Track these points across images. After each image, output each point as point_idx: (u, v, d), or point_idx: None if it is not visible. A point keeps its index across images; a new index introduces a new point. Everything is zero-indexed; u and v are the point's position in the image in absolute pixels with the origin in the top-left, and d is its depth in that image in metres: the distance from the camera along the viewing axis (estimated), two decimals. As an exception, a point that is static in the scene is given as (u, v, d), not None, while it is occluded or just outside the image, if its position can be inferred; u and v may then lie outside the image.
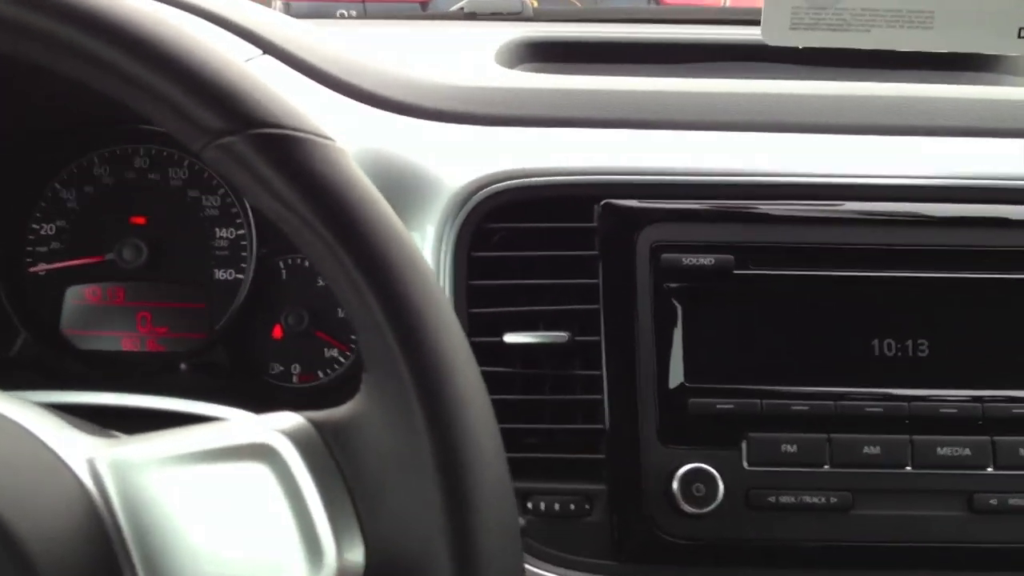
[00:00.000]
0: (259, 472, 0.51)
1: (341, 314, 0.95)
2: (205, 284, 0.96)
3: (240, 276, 0.96)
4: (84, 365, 0.95)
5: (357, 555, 0.50)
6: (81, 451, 0.53)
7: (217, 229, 0.97)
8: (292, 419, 0.52)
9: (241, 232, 0.96)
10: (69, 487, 0.51)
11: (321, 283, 0.96)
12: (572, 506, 0.79)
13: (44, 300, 0.96)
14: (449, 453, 0.49)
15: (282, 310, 0.95)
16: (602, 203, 0.81)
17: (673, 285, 0.79)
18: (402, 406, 0.50)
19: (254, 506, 0.51)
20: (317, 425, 0.52)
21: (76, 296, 0.96)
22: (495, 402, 0.78)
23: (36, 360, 0.94)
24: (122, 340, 0.96)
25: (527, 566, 0.78)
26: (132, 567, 0.51)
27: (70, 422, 0.56)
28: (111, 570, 0.50)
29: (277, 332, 0.96)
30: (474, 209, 0.82)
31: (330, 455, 0.51)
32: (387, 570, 0.50)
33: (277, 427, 0.52)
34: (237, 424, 0.53)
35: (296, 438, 0.51)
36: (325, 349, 0.96)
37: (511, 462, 0.78)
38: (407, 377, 0.50)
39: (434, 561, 0.48)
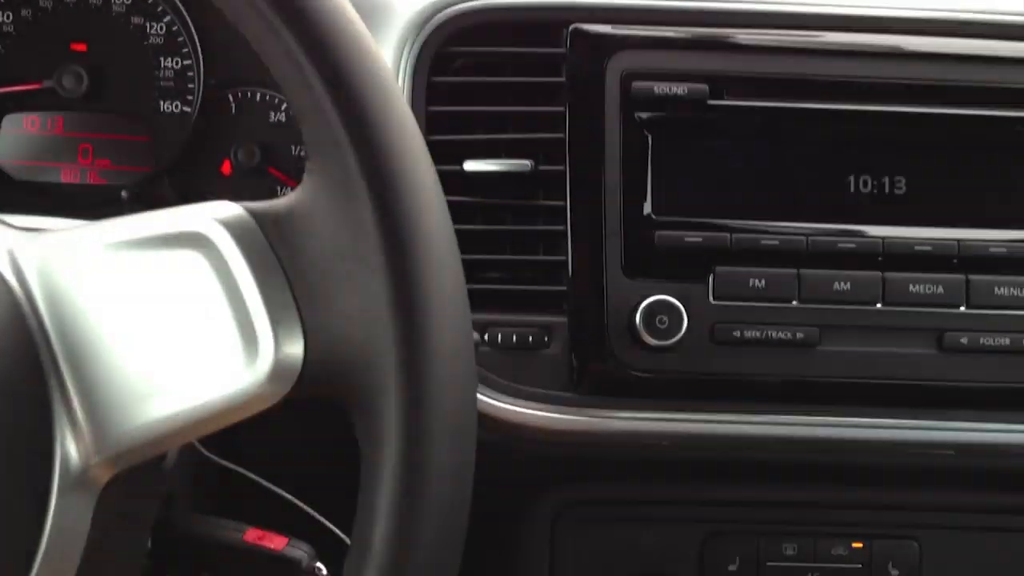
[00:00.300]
0: (192, 261, 0.48)
1: (296, 151, 0.91)
2: (150, 116, 0.91)
3: (187, 109, 0.91)
4: (21, 195, 0.90)
5: (296, 348, 0.47)
6: (3, 243, 0.49)
7: (162, 58, 0.91)
8: (228, 208, 0.49)
9: (188, 63, 0.91)
10: None
11: (274, 119, 0.91)
12: (530, 338, 0.76)
13: (-22, 129, 0.91)
14: (399, 245, 0.46)
15: (231, 145, 0.90)
16: (571, 28, 0.77)
17: (643, 115, 0.76)
18: (347, 194, 0.46)
19: (187, 296, 0.47)
20: (255, 215, 0.48)
21: (13, 124, 0.91)
22: (455, 232, 0.75)
23: (-30, 188, 0.89)
24: (62, 171, 0.91)
25: (483, 397, 0.75)
26: (55, 361, 0.47)
27: None
28: (32, 365, 0.47)
29: (226, 168, 0.91)
30: (434, 32, 0.78)
31: (269, 245, 0.48)
32: (327, 366, 0.47)
33: (212, 215, 0.48)
34: (168, 212, 0.49)
35: (232, 227, 0.48)
36: (279, 187, 0.92)
37: (471, 294, 0.76)
38: (353, 163, 0.46)
39: (380, 357, 0.45)
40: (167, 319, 0.47)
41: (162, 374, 0.47)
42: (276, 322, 0.46)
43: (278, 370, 0.46)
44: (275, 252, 0.47)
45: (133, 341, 0.47)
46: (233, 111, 0.91)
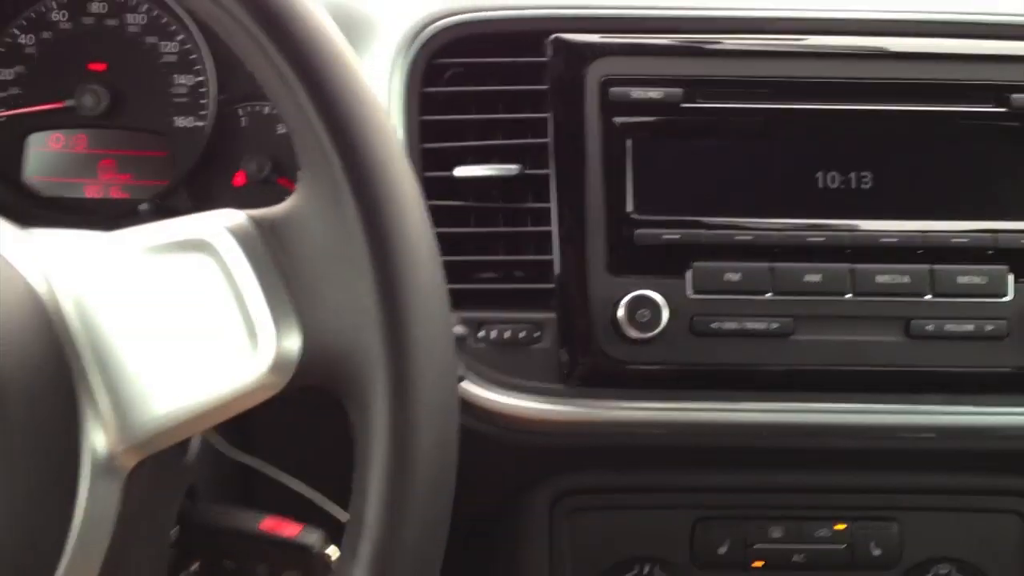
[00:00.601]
0: (202, 265, 0.53)
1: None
2: (166, 131, 0.96)
3: (200, 124, 0.96)
4: (49, 211, 0.96)
5: (294, 342, 0.52)
6: (31, 254, 0.54)
7: (176, 76, 0.97)
8: (233, 216, 0.54)
9: (200, 79, 0.96)
10: (18, 288, 0.53)
11: (281, 131, 0.96)
12: (522, 334, 0.81)
13: (6, 148, 0.96)
14: (382, 247, 0.51)
15: (243, 158, 0.96)
16: (552, 37, 0.81)
17: (622, 119, 0.80)
18: (335, 201, 0.51)
19: (198, 297, 0.53)
20: (256, 222, 0.53)
21: (39, 143, 0.96)
22: (449, 235, 0.80)
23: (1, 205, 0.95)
24: (85, 187, 0.97)
25: (478, 391, 0.80)
26: (80, 361, 0.52)
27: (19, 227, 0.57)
28: (60, 365, 0.52)
29: (239, 179, 0.97)
30: (425, 45, 0.83)
31: (268, 250, 0.53)
32: (322, 357, 0.52)
33: (219, 223, 0.53)
34: (180, 221, 0.54)
35: (236, 234, 0.53)
36: (287, 196, 0.97)
37: (465, 293, 0.80)
38: (339, 172, 0.51)
39: (367, 349, 0.50)
40: (181, 318, 0.52)
41: (177, 368, 0.52)
42: (276, 319, 0.51)
43: (279, 362, 0.51)
44: (273, 255, 0.53)
45: (151, 339, 0.52)
46: (244, 125, 0.96)
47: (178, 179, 0.95)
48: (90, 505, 0.51)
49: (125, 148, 0.97)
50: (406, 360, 0.50)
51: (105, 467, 0.51)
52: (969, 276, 0.79)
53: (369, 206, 0.51)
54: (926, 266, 0.79)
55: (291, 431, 0.91)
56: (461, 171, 0.81)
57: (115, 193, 0.97)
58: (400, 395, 0.49)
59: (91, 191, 0.97)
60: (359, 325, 0.50)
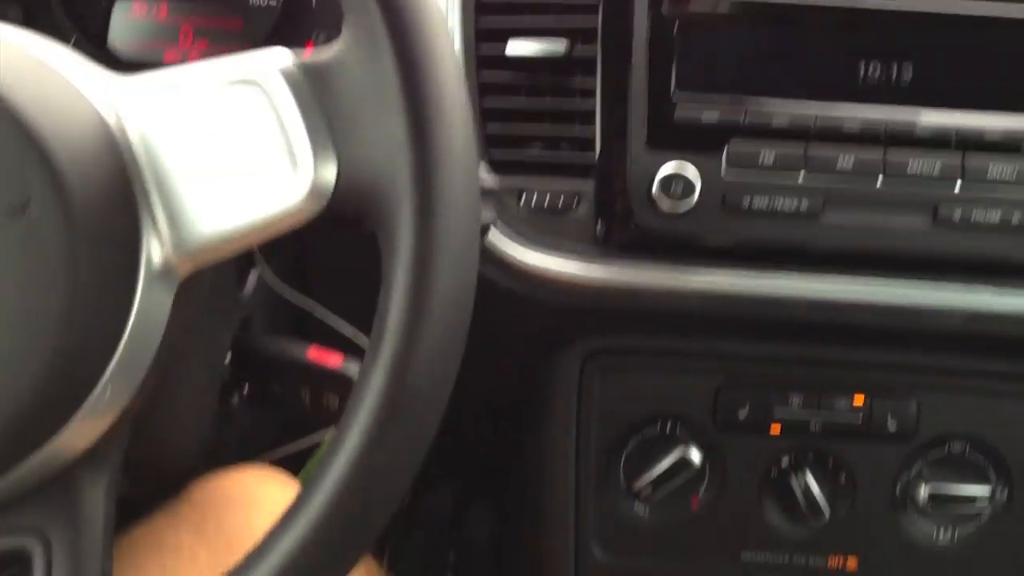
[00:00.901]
0: (253, 100, 0.58)
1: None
2: (241, 5, 1.02)
3: (273, 2, 1.02)
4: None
5: (330, 172, 0.57)
6: (104, 90, 0.60)
7: None
8: (285, 58, 0.59)
9: None
10: (90, 117, 0.58)
11: None
12: (561, 201, 0.85)
13: (95, 14, 1.02)
14: (414, 89, 0.56)
15: (312, 31, 1.01)
16: None
17: (669, 5, 0.82)
18: (374, 48, 0.56)
19: (248, 129, 0.58)
20: (303, 66, 0.59)
21: (123, 10, 1.02)
22: (498, 109, 0.84)
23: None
24: (165, 53, 1.03)
25: (515, 250, 0.85)
26: (143, 183, 0.58)
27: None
28: (124, 187, 0.58)
29: (308, 50, 1.02)
30: None
31: (312, 91, 0.58)
32: (354, 186, 0.57)
33: (272, 64, 0.58)
34: (237, 59, 0.60)
35: (286, 75, 0.58)
36: None
37: (510, 164, 0.85)
38: (378, 22, 0.56)
39: (395, 179, 0.55)
40: (231, 148, 0.58)
41: (227, 191, 0.57)
42: (315, 152, 0.57)
43: (315, 189, 0.57)
44: (317, 97, 0.58)
45: (204, 165, 0.58)
46: (314, 3, 1.01)
47: (251, 47, 1.01)
48: (144, 306, 0.57)
49: (203, 17, 1.03)
50: (430, 190, 0.55)
51: (160, 273, 0.58)
52: (999, 168, 0.80)
53: (404, 53, 0.55)
54: (958, 157, 0.81)
55: (340, 278, 0.97)
56: (513, 47, 0.85)
57: (193, 58, 1.02)
58: (423, 221, 0.54)
59: (170, 57, 1.03)
60: (390, 159, 0.55)
